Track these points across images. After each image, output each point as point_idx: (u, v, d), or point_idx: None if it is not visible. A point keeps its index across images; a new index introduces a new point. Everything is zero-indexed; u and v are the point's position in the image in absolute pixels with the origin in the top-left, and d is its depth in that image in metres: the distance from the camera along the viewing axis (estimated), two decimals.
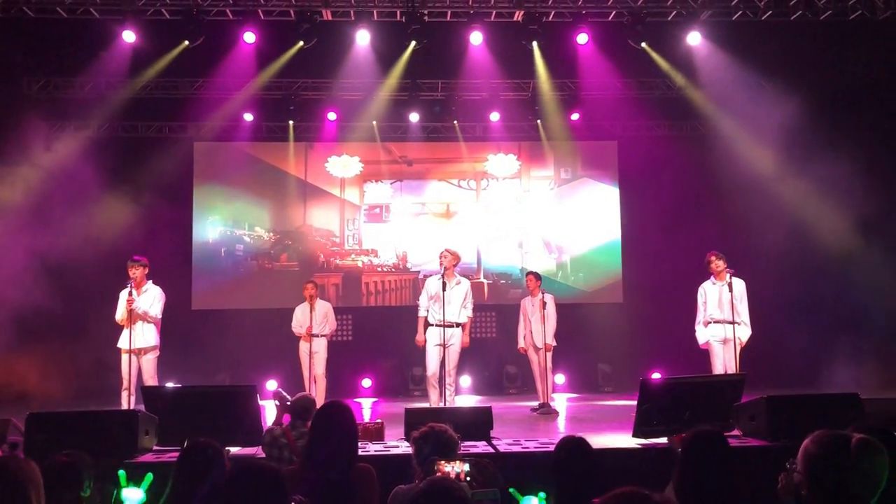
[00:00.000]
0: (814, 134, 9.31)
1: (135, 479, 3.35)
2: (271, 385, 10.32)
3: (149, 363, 7.56)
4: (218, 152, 11.88)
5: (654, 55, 10.16)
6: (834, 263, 9.88)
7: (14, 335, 8.97)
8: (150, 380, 7.52)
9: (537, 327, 8.73)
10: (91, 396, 9.04)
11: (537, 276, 8.99)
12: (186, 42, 9.31)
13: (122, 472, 3.31)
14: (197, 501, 2.71)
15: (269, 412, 6.47)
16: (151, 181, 10.73)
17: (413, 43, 9.38)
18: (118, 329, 7.59)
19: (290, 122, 11.56)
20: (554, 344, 8.81)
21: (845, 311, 9.77)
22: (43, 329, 9.29)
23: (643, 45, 9.52)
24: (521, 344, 8.99)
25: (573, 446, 3.46)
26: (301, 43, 9.39)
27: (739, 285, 7.55)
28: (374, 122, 11.70)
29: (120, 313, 7.53)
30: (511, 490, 3.17)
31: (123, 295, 7.53)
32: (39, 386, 8.99)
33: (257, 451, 5.50)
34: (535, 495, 3.11)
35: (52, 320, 9.34)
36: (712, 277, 7.64)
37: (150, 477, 3.36)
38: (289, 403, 5.02)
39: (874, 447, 2.46)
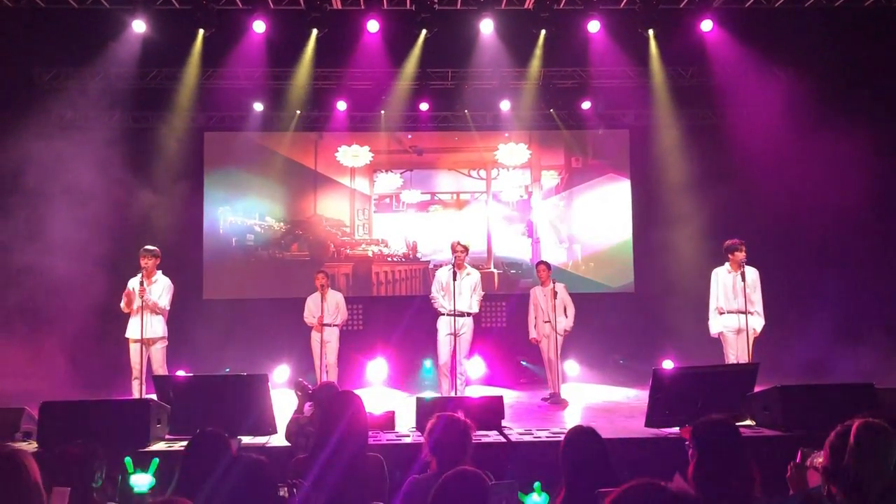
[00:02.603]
0: (827, 121, 9.20)
1: (141, 465, 3.38)
2: (282, 374, 10.36)
3: (158, 353, 7.60)
4: (228, 142, 11.87)
5: (653, 45, 10.09)
6: (849, 249, 9.78)
7: (23, 325, 9.01)
8: (160, 369, 7.55)
9: (549, 316, 8.72)
10: (101, 385, 9.07)
11: (548, 266, 8.97)
12: (202, 31, 9.32)
13: (128, 459, 3.33)
14: (205, 490, 2.72)
15: (281, 401, 6.48)
16: (162, 171, 10.74)
17: (424, 32, 9.34)
18: (127, 318, 7.62)
19: (297, 112, 11.53)
20: (569, 322, 8.78)
21: (861, 298, 9.67)
22: (52, 318, 9.32)
23: (650, 32, 9.47)
24: (533, 334, 8.97)
25: (582, 436, 3.44)
26: (315, 31, 9.38)
27: (753, 274, 7.49)
28: (383, 112, 11.65)
29: (125, 303, 7.56)
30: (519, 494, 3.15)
31: (131, 283, 7.57)
32: (46, 377, 9.02)
33: (269, 440, 5.53)
34: (534, 489, 3.08)
35: (60, 310, 9.37)
36: (727, 264, 7.57)
37: (156, 462, 3.39)
38: (311, 392, 5.03)
39: (876, 429, 2.43)
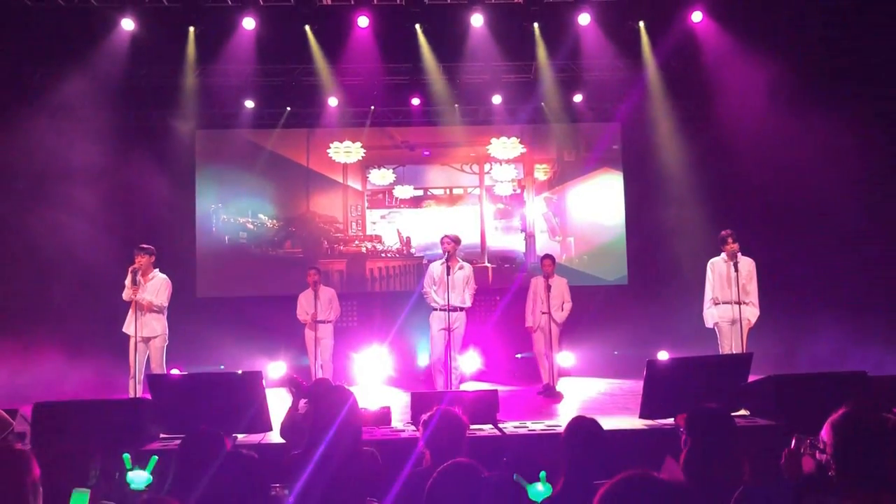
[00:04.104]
0: (819, 109, 9.19)
1: (140, 463, 3.39)
2: (277, 371, 10.35)
3: (157, 351, 7.58)
4: (220, 140, 11.84)
5: (644, 37, 10.07)
6: (844, 239, 9.79)
7: (18, 327, 8.97)
8: (158, 368, 7.54)
9: (545, 307, 8.74)
10: (98, 385, 9.05)
11: (553, 261, 8.98)
12: (192, 28, 9.29)
13: (126, 455, 3.33)
14: (199, 489, 2.72)
15: (276, 399, 6.47)
16: (153, 169, 10.70)
17: (418, 27, 9.35)
18: (123, 317, 7.61)
19: (288, 109, 11.50)
20: (564, 316, 8.81)
21: (855, 287, 9.68)
22: (47, 319, 9.29)
23: (641, 24, 9.47)
24: (529, 322, 8.97)
25: (584, 427, 3.44)
26: (308, 27, 9.37)
27: (748, 265, 7.50)
28: (372, 107, 11.64)
29: (126, 294, 7.56)
30: (515, 476, 3.15)
31: (127, 281, 7.55)
32: (42, 376, 8.99)
33: (264, 437, 5.52)
34: (539, 479, 3.09)
35: (56, 310, 9.34)
36: (724, 255, 7.58)
37: (154, 459, 3.40)
38: (305, 389, 5.02)
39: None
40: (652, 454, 5.10)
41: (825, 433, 2.48)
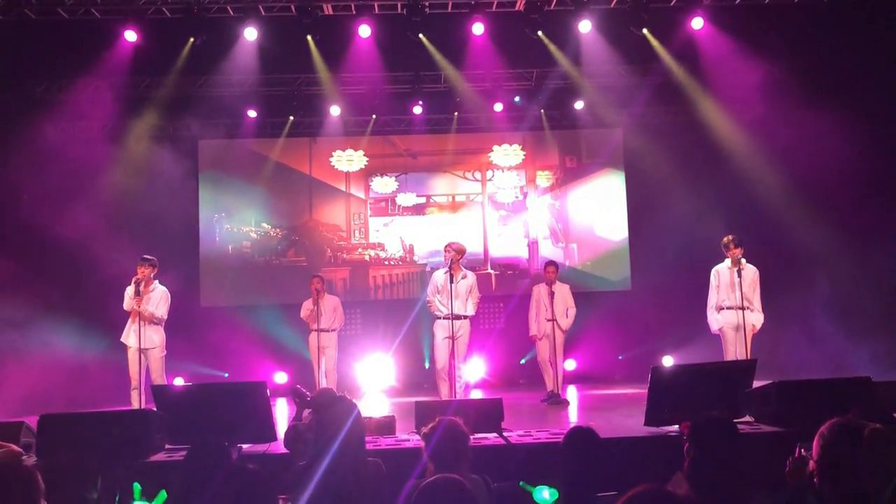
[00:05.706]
0: (821, 112, 9.19)
1: (148, 489, 3.33)
2: (281, 381, 10.36)
3: (156, 362, 7.59)
4: (222, 149, 11.87)
5: (654, 42, 10.06)
6: (849, 242, 9.77)
7: (19, 336, 8.98)
8: (159, 378, 7.54)
9: (549, 314, 8.73)
10: (99, 396, 9.06)
11: (557, 268, 8.97)
12: (192, 39, 9.33)
13: (136, 485, 3.29)
14: (204, 499, 2.72)
15: (280, 409, 6.51)
16: (156, 180, 10.72)
17: (422, 36, 9.41)
18: (121, 327, 7.63)
19: (290, 118, 11.54)
20: (570, 323, 8.80)
21: (859, 291, 9.66)
22: (47, 328, 9.30)
23: (644, 31, 9.45)
24: (533, 330, 8.95)
25: (582, 437, 3.44)
26: (309, 37, 9.42)
27: (752, 273, 7.47)
28: (374, 116, 11.67)
29: (127, 304, 7.58)
30: (521, 483, 3.15)
31: (129, 291, 7.57)
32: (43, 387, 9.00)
33: (268, 447, 5.51)
34: (546, 486, 3.09)
35: (57, 319, 9.35)
36: (727, 261, 7.55)
37: (163, 495, 3.32)
38: (309, 399, 5.02)
39: (887, 437, 2.44)
40: (657, 461, 5.11)
41: (815, 443, 2.51)
